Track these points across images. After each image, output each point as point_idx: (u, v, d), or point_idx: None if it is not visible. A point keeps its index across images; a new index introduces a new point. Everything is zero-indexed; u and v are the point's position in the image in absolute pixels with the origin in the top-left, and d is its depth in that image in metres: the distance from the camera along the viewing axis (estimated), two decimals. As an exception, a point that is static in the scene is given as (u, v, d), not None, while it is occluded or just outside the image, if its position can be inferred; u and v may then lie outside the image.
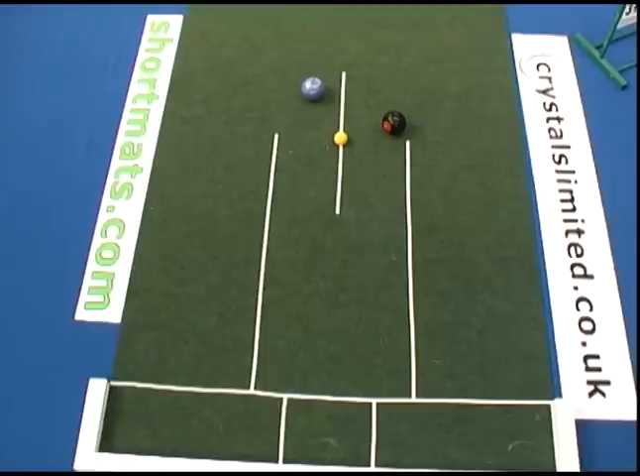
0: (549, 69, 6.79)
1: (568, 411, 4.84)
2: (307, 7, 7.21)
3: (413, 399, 4.98)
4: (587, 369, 5.12)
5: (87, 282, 5.47)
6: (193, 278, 5.50)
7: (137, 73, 6.71)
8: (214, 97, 6.56)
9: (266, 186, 5.98)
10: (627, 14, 6.35)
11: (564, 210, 5.89)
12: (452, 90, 6.62)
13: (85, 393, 4.87)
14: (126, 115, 6.42)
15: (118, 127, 6.33)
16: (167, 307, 5.37)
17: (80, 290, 5.43)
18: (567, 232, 5.76)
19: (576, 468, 4.66)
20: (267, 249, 5.63)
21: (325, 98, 6.52)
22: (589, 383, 5.06)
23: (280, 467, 4.70)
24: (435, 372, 5.09)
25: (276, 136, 6.28)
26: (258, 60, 6.83)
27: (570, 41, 7.00)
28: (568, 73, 6.77)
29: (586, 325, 5.32)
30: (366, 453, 4.77)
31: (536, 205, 5.91)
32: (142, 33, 7.02)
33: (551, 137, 6.33)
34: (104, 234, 5.72)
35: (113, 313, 5.32)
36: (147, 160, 6.15)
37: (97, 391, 4.87)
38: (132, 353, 5.16)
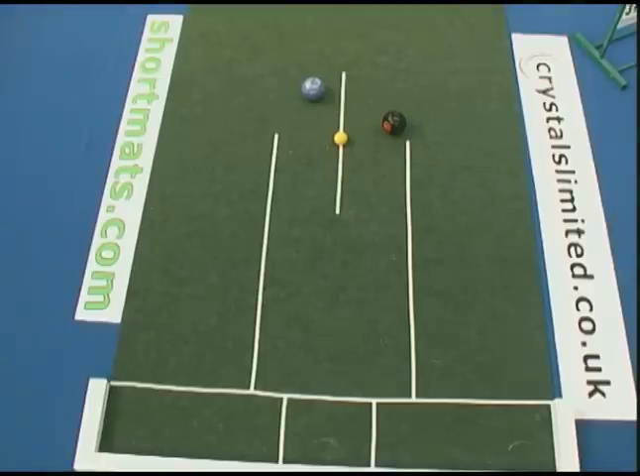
0: (549, 69, 6.79)
1: (568, 411, 4.84)
2: (307, 7, 7.20)
3: (413, 399, 4.98)
4: (587, 369, 5.12)
5: (87, 282, 5.46)
6: (193, 278, 5.50)
7: (137, 73, 6.71)
8: (214, 97, 6.56)
9: (266, 186, 5.98)
10: (627, 14, 6.35)
11: (564, 210, 5.88)
12: (452, 90, 6.62)
13: (85, 393, 4.87)
14: (126, 115, 6.42)
15: (118, 127, 6.33)
16: (167, 307, 5.37)
17: (80, 290, 5.43)
18: (567, 232, 5.76)
19: (576, 468, 4.66)
20: (267, 249, 5.63)
21: (325, 98, 6.52)
22: (589, 383, 5.06)
23: (280, 467, 4.70)
24: (435, 372, 5.09)
25: (276, 136, 6.28)
26: (258, 61, 6.83)
27: (570, 41, 7.00)
28: (568, 73, 6.76)
29: (586, 325, 5.31)
30: (366, 453, 4.77)
31: (536, 205, 5.91)
32: (142, 33, 7.01)
33: (551, 137, 6.33)
34: (104, 234, 5.71)
35: (113, 313, 5.32)
36: (147, 160, 6.15)
37: (97, 391, 4.87)
38: (132, 353, 5.16)
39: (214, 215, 5.83)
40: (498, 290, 5.46)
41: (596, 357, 5.17)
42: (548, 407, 4.92)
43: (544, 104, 6.54)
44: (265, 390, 5.00)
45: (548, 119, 6.43)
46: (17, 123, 6.38)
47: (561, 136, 6.34)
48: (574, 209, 5.89)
